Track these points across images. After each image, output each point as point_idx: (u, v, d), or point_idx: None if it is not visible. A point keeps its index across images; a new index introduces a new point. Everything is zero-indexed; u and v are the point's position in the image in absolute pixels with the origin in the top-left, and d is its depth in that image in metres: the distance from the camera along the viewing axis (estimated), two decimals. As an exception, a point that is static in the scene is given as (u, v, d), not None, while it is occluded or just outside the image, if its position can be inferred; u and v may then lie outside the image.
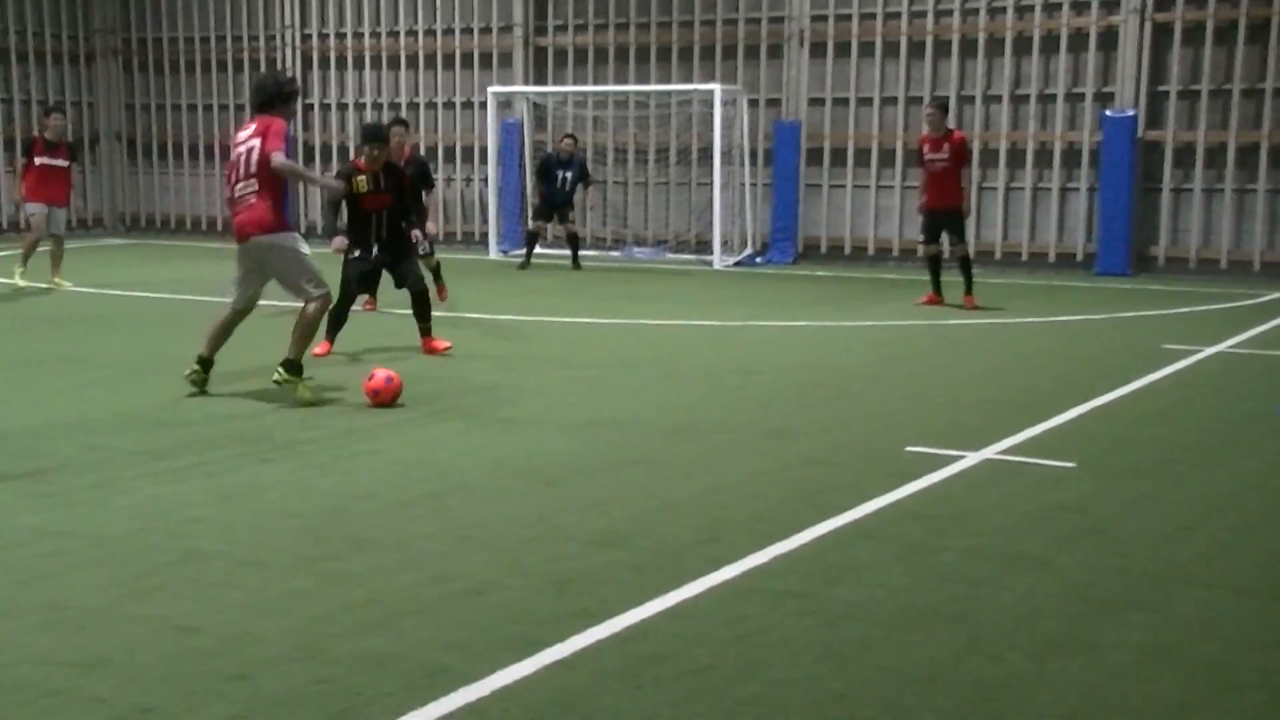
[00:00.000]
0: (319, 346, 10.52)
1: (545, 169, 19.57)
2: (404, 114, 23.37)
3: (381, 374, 8.93)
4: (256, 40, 24.91)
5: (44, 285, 15.76)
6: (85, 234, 25.07)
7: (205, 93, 25.49)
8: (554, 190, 19.26)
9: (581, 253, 19.79)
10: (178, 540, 5.88)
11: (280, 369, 9.06)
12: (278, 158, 8.87)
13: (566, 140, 19.64)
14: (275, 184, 9.01)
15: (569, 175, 19.23)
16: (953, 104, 19.30)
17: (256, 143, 8.95)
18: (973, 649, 4.69)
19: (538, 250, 20.11)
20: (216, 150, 25.43)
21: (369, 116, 23.93)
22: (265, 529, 6.07)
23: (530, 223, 20.61)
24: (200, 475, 7.04)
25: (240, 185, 9.04)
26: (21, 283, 15.56)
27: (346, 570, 5.48)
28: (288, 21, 24.51)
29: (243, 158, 9.00)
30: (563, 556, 5.69)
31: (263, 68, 24.89)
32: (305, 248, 9.23)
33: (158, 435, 8.02)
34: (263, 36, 24.83)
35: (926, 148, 14.57)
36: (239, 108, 25.18)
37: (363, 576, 5.40)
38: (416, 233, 12.56)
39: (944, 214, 14.52)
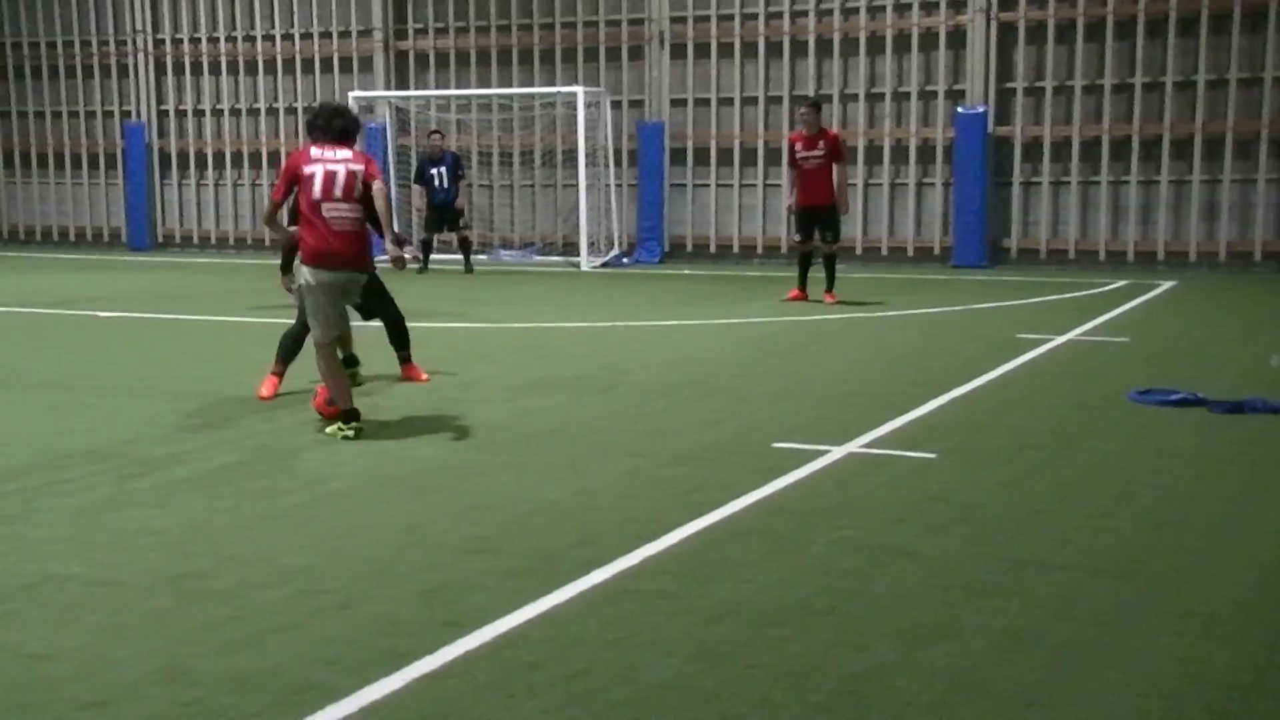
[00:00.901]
0: (266, 385, 9.59)
1: (421, 172, 19.34)
2: (263, 119, 22.99)
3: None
4: (107, 45, 24.22)
5: None
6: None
7: (54, 99, 24.71)
8: (434, 191, 19.00)
9: (448, 256, 19.63)
10: (30, 563, 5.65)
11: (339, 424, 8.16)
12: (383, 187, 8.35)
13: (434, 137, 19.42)
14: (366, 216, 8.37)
15: (443, 171, 18.96)
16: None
17: (359, 168, 8.23)
18: (841, 641, 4.72)
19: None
20: (67, 157, 24.68)
21: (227, 123, 23.45)
22: (124, 548, 5.86)
23: (423, 232, 20.19)
24: (55, 495, 6.78)
25: (338, 207, 8.14)
26: None
27: (210, 588, 5.32)
28: (139, 26, 23.86)
29: (339, 178, 8.13)
30: (433, 565, 5.59)
31: (113, 73, 24.24)
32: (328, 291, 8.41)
33: (7, 454, 7.70)
34: (113, 41, 24.16)
35: (799, 145, 14.71)
36: (89, 114, 24.51)
37: (227, 593, 5.24)
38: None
39: (819, 210, 14.67)
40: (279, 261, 9.93)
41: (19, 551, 5.82)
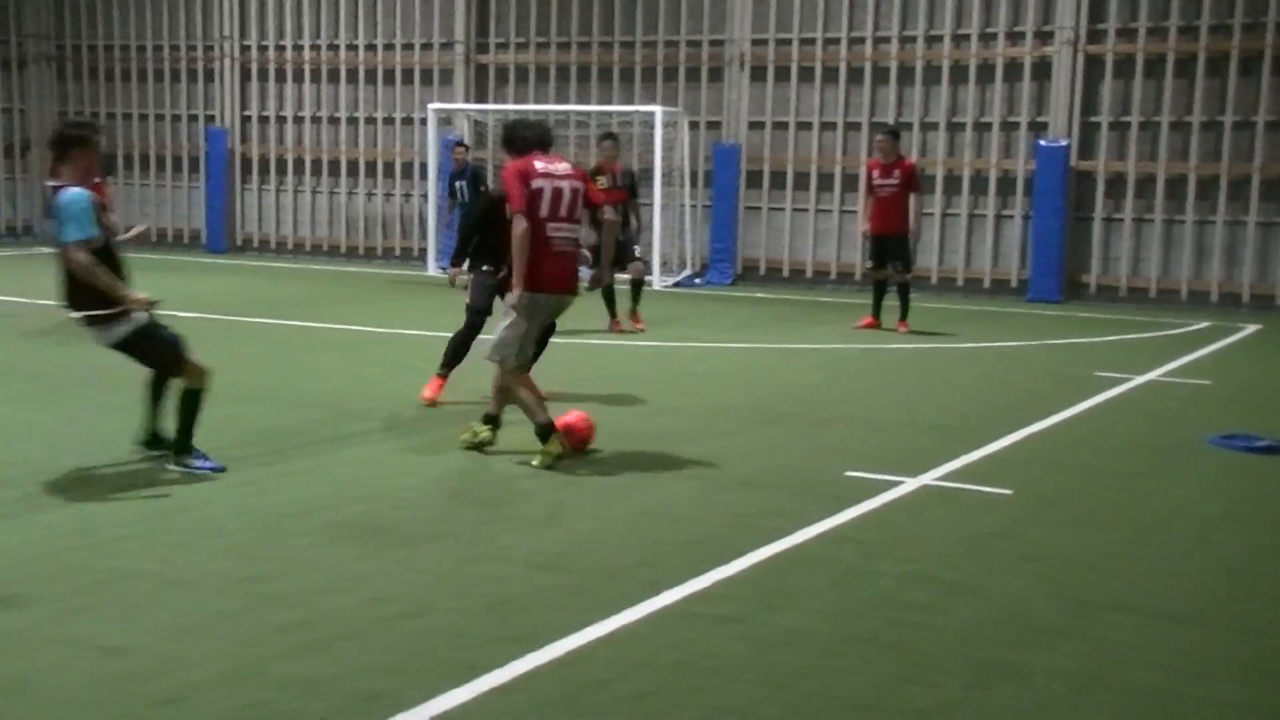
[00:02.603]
0: (429, 388, 9.62)
1: (451, 187, 18.47)
2: (343, 128, 23.28)
3: (575, 415, 8.16)
4: (194, 50, 24.66)
5: None
6: (13, 241, 24.70)
7: (141, 102, 25.18)
8: (460, 204, 18.00)
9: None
10: (104, 559, 5.76)
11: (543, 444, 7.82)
12: (609, 211, 8.34)
13: (459, 149, 18.78)
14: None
15: (464, 186, 18.08)
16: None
17: (581, 186, 7.96)
18: (909, 676, 4.70)
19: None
20: (152, 160, 25.15)
21: (308, 130, 23.78)
22: (195, 548, 5.96)
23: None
24: (128, 493, 6.91)
25: (562, 227, 7.85)
26: None
27: (279, 591, 5.39)
28: (226, 32, 24.27)
29: (565, 197, 7.84)
30: (499, 579, 5.63)
31: (199, 78, 24.67)
32: (538, 315, 8.10)
33: (83, 451, 7.86)
34: (200, 46, 24.58)
35: (876, 173, 14.74)
36: (174, 118, 24.95)
37: (295, 598, 5.31)
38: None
39: (890, 239, 14.68)
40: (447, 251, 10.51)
41: (92, 548, 5.93)
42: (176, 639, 4.84)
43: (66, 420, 8.86)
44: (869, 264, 15.29)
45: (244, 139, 24.39)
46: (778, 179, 20.69)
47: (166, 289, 17.52)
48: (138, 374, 10.72)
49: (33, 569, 5.60)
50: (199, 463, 7.39)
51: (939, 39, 19.63)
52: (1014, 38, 19.27)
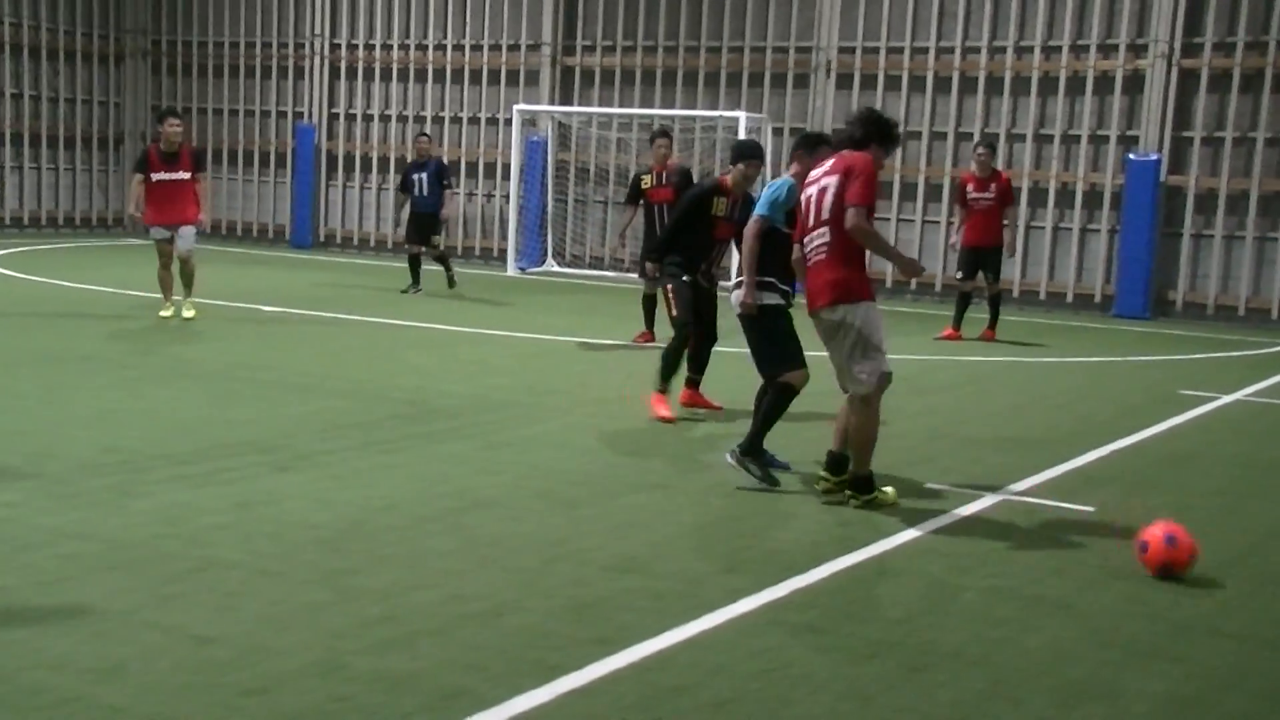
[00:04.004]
0: (660, 406, 9.22)
1: (404, 178, 17.75)
2: (429, 128, 23.46)
3: (1159, 530, 6.11)
4: (286, 48, 25.00)
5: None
6: (104, 232, 25.18)
7: (232, 98, 25.57)
8: (415, 199, 17.44)
9: (603, 275, 19.69)
10: (196, 548, 5.84)
11: (850, 491, 7.12)
12: (854, 216, 6.79)
13: (422, 140, 18.19)
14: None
15: (424, 178, 17.32)
16: (976, 141, 19.31)
17: (833, 183, 6.94)
18: (996, 693, 4.62)
19: (554, 267, 20.03)
20: (240, 155, 25.53)
21: (394, 128, 24.01)
22: (284, 539, 6.02)
23: (406, 246, 18.13)
24: (219, 482, 6.99)
25: (811, 236, 7.10)
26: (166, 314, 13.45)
27: (365, 585, 5.42)
28: (317, 30, 24.58)
29: (813, 200, 7.06)
30: (582, 581, 5.63)
31: (290, 75, 24.97)
32: (880, 325, 7.08)
33: (176, 439, 7.97)
34: (292, 44, 24.91)
35: (971, 186, 14.82)
36: (264, 114, 25.31)
37: (381, 592, 5.35)
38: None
39: (985, 251, 14.78)
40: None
41: (186, 536, 6.01)
42: (265, 629, 4.89)
43: (157, 409, 9.00)
44: (958, 274, 15.20)
45: (331, 136, 24.69)
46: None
47: (253, 283, 17.86)
48: (221, 365, 10.91)
49: (127, 556, 5.69)
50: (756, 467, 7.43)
51: (1029, 50, 19.39)
52: (1106, 50, 18.99)
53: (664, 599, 5.44)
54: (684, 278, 9.34)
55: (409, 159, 19.42)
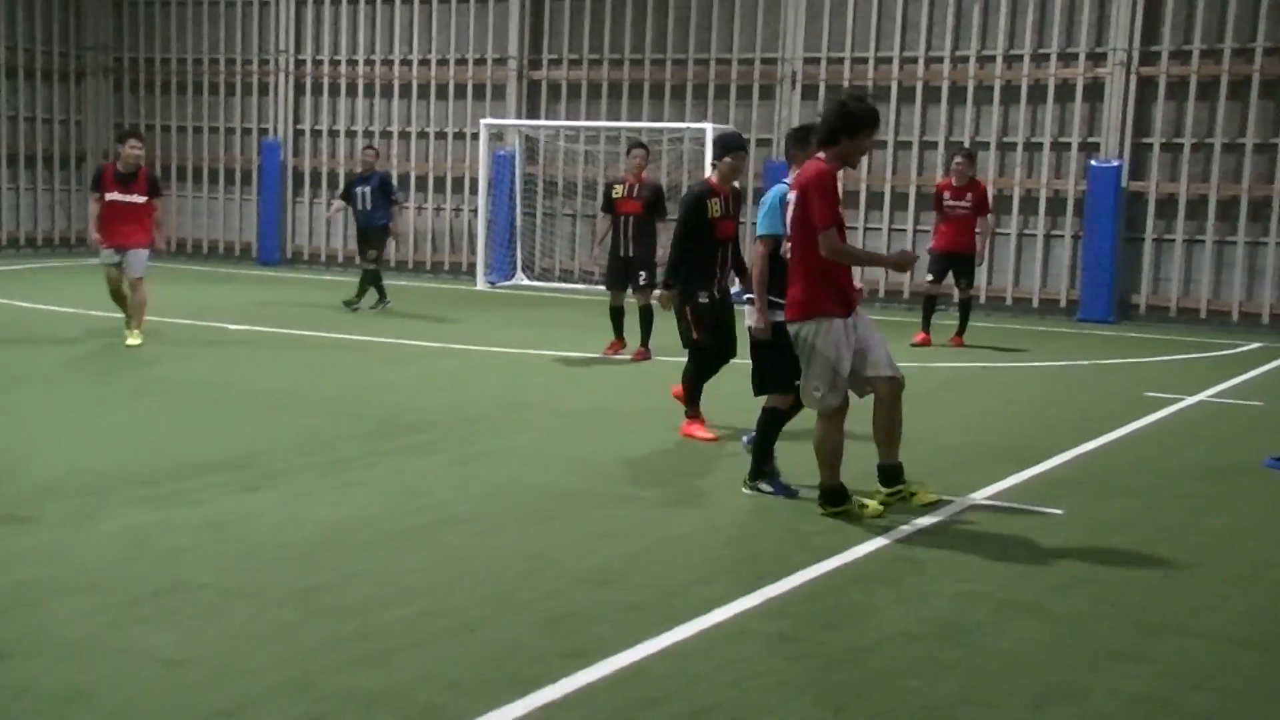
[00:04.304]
0: (699, 430, 9.05)
1: (348, 190, 17.16)
2: (395, 143, 23.40)
3: None
4: (250, 64, 24.88)
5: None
6: (65, 252, 24.98)
7: (196, 115, 25.41)
8: (359, 212, 17.01)
9: (570, 287, 19.69)
10: (164, 569, 5.79)
11: (819, 500, 7.11)
12: (825, 241, 6.66)
13: (368, 152, 17.53)
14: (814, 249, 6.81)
15: (368, 191, 16.78)
16: (940, 150, 19.43)
17: (793, 199, 6.93)
18: (969, 697, 4.64)
19: (524, 281, 19.99)
20: (205, 173, 25.40)
21: (360, 144, 23.94)
22: (254, 559, 5.98)
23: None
24: (187, 502, 6.94)
25: (784, 247, 7.22)
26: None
27: (337, 603, 5.39)
28: (281, 46, 24.48)
29: (787, 211, 7.04)
30: (555, 593, 5.61)
31: (254, 91, 24.87)
32: (840, 342, 6.84)
33: (143, 460, 7.91)
34: (256, 60, 24.80)
35: (947, 194, 14.97)
36: (229, 131, 25.18)
37: (353, 610, 5.32)
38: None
39: (958, 258, 14.93)
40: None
41: (153, 557, 5.96)
42: (235, 650, 4.85)
43: (123, 429, 8.93)
44: (927, 278, 15.29)
45: (297, 152, 24.59)
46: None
47: (219, 300, 17.74)
48: (188, 383, 10.84)
49: (93, 579, 5.63)
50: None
51: (991, 59, 19.52)
52: (1066, 59, 19.13)
53: (638, 610, 5.43)
54: (703, 299, 8.95)
55: (390, 174, 19.23)
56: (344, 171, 23.68)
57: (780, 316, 7.34)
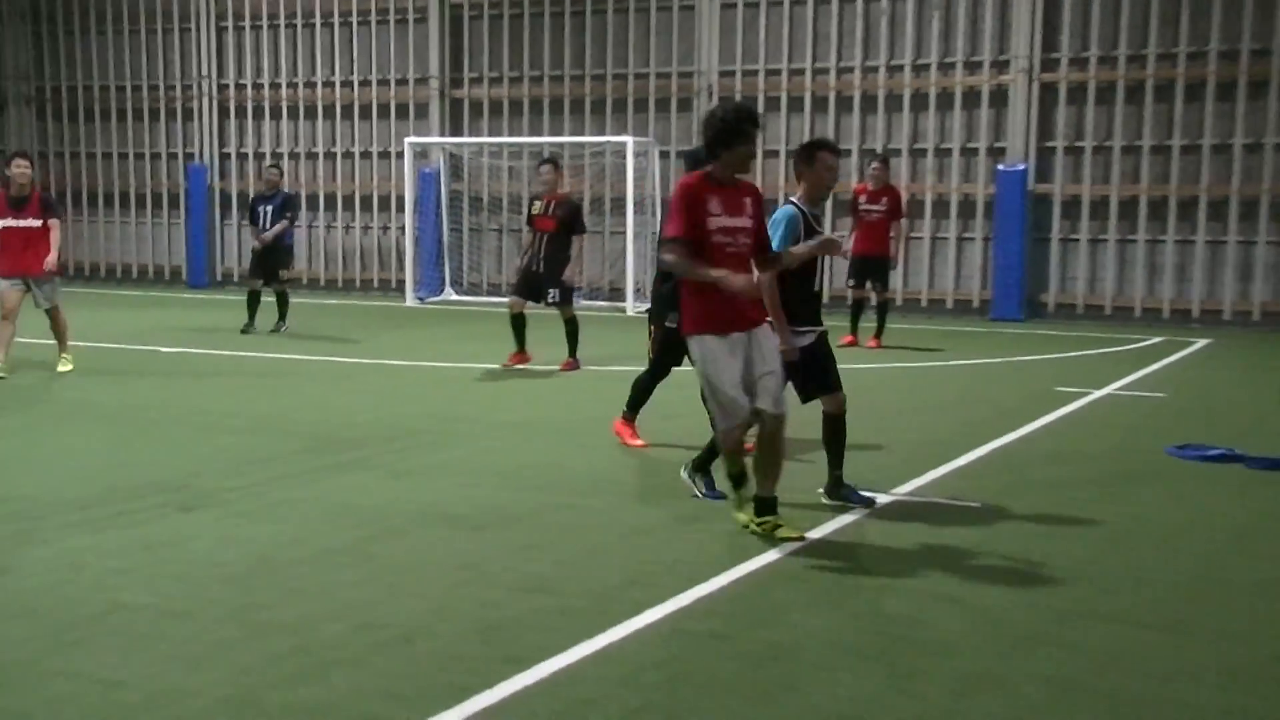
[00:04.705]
0: (631, 435, 9.07)
1: (252, 210, 16.79)
2: (320, 163, 23.23)
3: None
4: (174, 89, 24.61)
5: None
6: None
7: (121, 141, 25.08)
8: (260, 231, 16.51)
9: (497, 300, 19.61)
10: (101, 592, 5.70)
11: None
12: (666, 255, 6.58)
13: (271, 171, 17.20)
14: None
15: (270, 210, 16.41)
16: (854, 157, 19.63)
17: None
18: (893, 687, 4.70)
19: (453, 296, 19.93)
20: (132, 198, 25.04)
21: (286, 165, 23.73)
22: (191, 579, 5.91)
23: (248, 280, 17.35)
24: (122, 525, 6.84)
25: None
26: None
27: (274, 620, 5.35)
28: (204, 71, 24.24)
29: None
30: (490, 603, 5.61)
31: (179, 116, 24.55)
32: (717, 361, 6.52)
33: (76, 484, 7.79)
34: (179, 85, 24.53)
35: (863, 198, 15.15)
36: (154, 156, 24.85)
37: (291, 626, 5.27)
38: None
39: (873, 261, 15.08)
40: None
41: (90, 581, 5.87)
42: (175, 670, 4.79)
43: (54, 455, 8.78)
44: (849, 283, 15.49)
45: (222, 175, 24.33)
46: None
47: (150, 323, 17.50)
48: (120, 407, 10.68)
49: (28, 604, 5.54)
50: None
51: (899, 69, 19.79)
52: (971, 67, 19.45)
53: (572, 615, 5.44)
54: (670, 323, 8.56)
55: (316, 194, 19.08)
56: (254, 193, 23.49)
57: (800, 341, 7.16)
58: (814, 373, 7.32)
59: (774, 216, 7.23)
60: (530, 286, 13.01)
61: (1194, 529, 7.07)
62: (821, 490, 7.54)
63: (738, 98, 20.50)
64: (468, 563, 6.20)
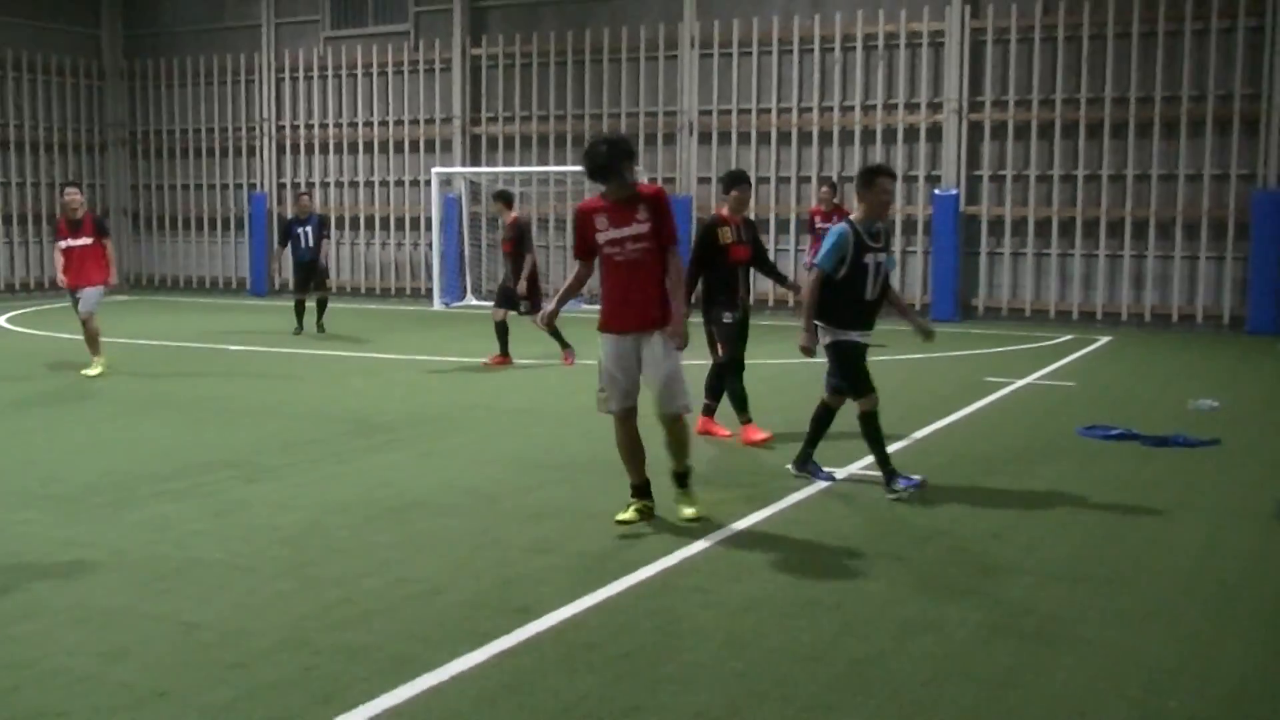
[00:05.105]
0: (755, 433, 8.46)
1: (287, 232, 16.46)
2: (360, 192, 23.19)
3: None
4: (240, 130, 24.54)
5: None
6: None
7: (198, 174, 25.06)
8: (299, 249, 16.22)
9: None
10: (181, 550, 5.72)
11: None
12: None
13: (304, 198, 16.96)
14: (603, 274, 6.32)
15: (308, 231, 16.17)
16: (813, 183, 19.63)
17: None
18: (847, 631, 4.71)
19: (473, 301, 19.91)
20: (205, 222, 25.01)
21: (332, 192, 23.69)
22: (254, 540, 5.92)
23: (294, 292, 16.95)
24: (198, 495, 6.85)
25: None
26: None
27: (323, 575, 5.36)
28: (265, 114, 24.19)
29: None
30: (506, 562, 5.61)
31: (243, 153, 24.51)
32: (602, 355, 6.31)
33: (160, 461, 7.79)
34: (245, 128, 24.47)
35: (818, 218, 15.14)
36: (223, 186, 24.82)
37: (337, 580, 5.28)
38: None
39: None
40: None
41: (172, 540, 5.89)
42: (242, 615, 4.81)
43: (142, 437, 8.78)
44: None
45: (280, 201, 24.26)
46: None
47: (220, 326, 17.46)
48: (194, 397, 10.66)
49: (125, 559, 5.56)
50: (902, 482, 6.88)
51: (850, 108, 19.78)
52: (911, 107, 19.45)
53: (575, 573, 5.45)
54: (727, 318, 8.49)
55: (358, 217, 18.98)
56: (330, 216, 23.43)
57: (847, 337, 6.97)
58: (852, 374, 7.05)
59: (828, 234, 7.04)
60: (504, 297, 13.11)
61: (1097, 495, 7.09)
62: (790, 465, 7.50)
63: (714, 133, 20.51)
64: (485, 528, 6.20)
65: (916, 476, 7.09)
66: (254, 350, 14.44)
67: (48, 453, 8.16)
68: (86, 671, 4.21)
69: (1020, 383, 11.84)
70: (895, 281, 19.58)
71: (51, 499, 6.74)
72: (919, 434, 9.00)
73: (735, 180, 8.66)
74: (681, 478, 6.39)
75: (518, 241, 13.11)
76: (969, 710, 3.98)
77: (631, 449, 6.31)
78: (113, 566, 5.45)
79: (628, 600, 5.08)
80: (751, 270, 8.86)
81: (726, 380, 8.68)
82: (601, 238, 6.20)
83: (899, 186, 19.45)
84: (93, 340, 11.89)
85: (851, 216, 7.10)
